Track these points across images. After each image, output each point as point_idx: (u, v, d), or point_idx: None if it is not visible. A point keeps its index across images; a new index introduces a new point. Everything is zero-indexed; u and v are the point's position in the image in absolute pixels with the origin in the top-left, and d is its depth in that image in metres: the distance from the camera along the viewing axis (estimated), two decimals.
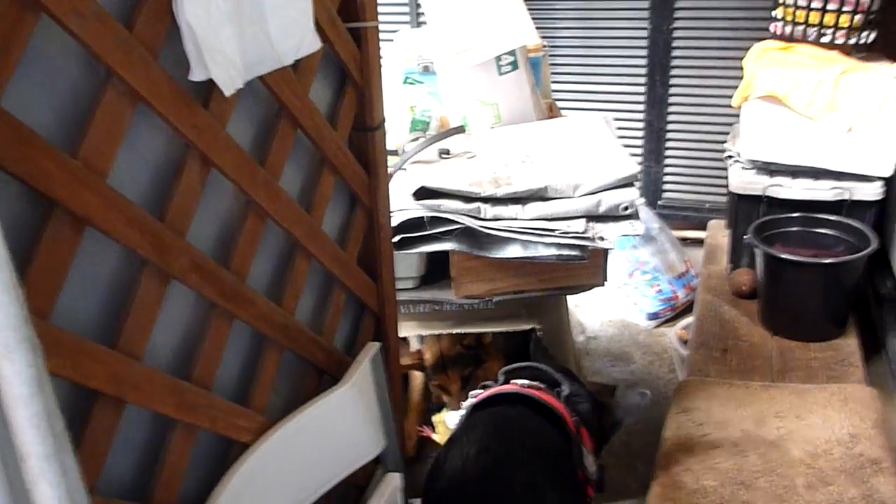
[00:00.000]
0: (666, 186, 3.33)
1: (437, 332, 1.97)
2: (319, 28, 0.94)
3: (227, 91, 0.75)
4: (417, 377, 2.16)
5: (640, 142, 3.26)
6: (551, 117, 2.30)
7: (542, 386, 1.58)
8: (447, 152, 2.00)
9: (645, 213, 3.23)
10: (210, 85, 0.77)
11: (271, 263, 0.95)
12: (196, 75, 0.73)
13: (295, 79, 0.92)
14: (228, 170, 0.81)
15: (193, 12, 0.70)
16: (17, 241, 0.59)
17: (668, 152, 3.26)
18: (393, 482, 1.12)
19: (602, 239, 1.68)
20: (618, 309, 3.17)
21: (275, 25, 0.83)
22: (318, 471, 1.00)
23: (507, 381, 1.60)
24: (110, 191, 0.66)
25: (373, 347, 1.08)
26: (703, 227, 3.22)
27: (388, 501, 1.11)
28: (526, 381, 1.55)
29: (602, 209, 1.70)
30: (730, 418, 2.03)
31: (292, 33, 0.86)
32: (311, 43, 0.90)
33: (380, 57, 1.10)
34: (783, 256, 2.34)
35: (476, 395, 1.61)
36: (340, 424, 1.02)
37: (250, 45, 0.80)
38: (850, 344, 2.46)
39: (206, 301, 0.82)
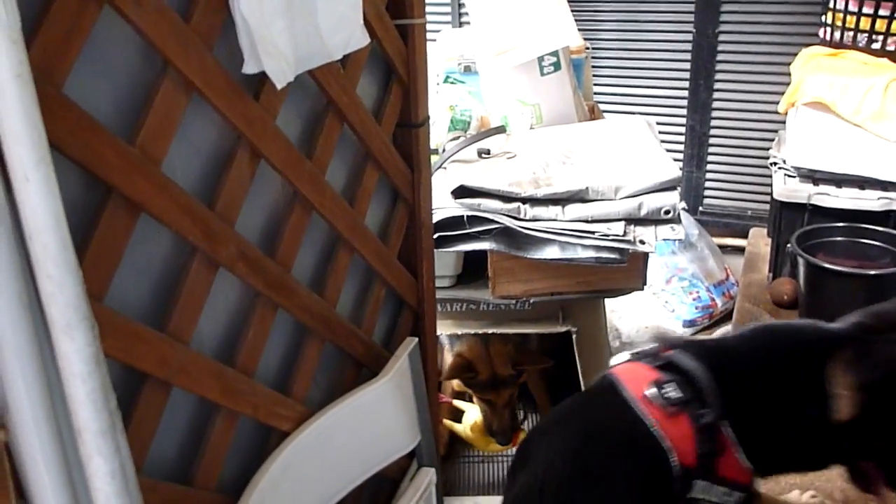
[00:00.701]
0: (707, 192, 3.29)
1: (472, 331, 1.97)
2: (368, 24, 0.95)
3: (279, 84, 0.77)
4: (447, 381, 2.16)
5: (681, 146, 3.22)
6: (593, 119, 2.30)
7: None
8: (487, 152, 2.01)
9: (685, 218, 3.20)
10: (261, 78, 0.78)
11: (315, 255, 0.97)
12: (249, 68, 0.74)
13: (343, 74, 0.93)
14: (277, 162, 0.83)
15: (248, 6, 0.72)
16: (76, 225, 0.61)
17: (710, 158, 3.22)
18: (428, 477, 1.13)
19: (642, 242, 1.67)
20: (654, 315, 3.15)
21: (325, 20, 0.84)
22: (354, 462, 1.01)
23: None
24: (164, 178, 0.68)
25: (411, 343, 1.09)
26: (744, 235, 3.18)
27: (423, 496, 1.12)
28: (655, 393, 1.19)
29: (643, 212, 1.69)
30: None
31: (342, 28, 0.87)
32: (359, 38, 0.91)
33: (426, 54, 1.11)
34: (826, 266, 2.30)
35: None
36: (377, 417, 1.03)
37: (301, 39, 0.81)
38: None
39: (251, 290, 0.83)
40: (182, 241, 0.72)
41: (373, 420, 1.03)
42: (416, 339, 1.10)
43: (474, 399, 2.10)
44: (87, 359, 0.51)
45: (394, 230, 1.12)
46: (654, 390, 1.15)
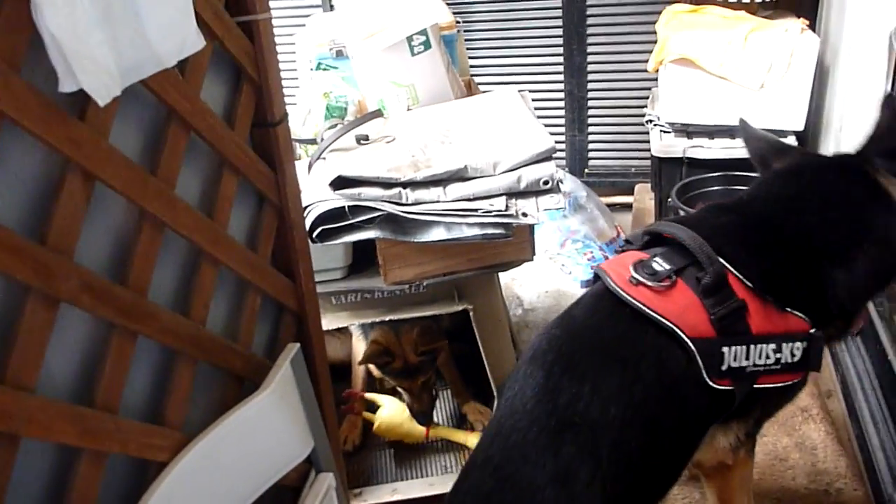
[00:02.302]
0: (591, 154, 3.36)
1: (369, 320, 1.95)
2: (205, 25, 0.90)
3: (102, 101, 0.71)
4: (359, 368, 2.14)
5: (562, 111, 3.27)
6: (470, 94, 2.29)
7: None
8: (366, 138, 1.97)
9: (572, 181, 3.26)
10: (86, 95, 0.72)
11: (175, 274, 0.92)
12: (65, 86, 0.69)
13: (182, 80, 0.88)
14: (115, 182, 0.78)
15: (55, 21, 0.66)
16: None
17: (591, 120, 3.28)
18: (326, 482, 1.11)
19: (525, 215, 1.68)
20: (552, 279, 3.20)
21: (152, 26, 0.79)
22: (245, 479, 0.98)
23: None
24: None
25: (292, 349, 1.06)
26: (630, 192, 3.26)
27: (323, 501, 1.09)
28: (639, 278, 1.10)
29: (522, 185, 1.70)
30: None
31: (172, 33, 0.82)
32: (194, 42, 0.86)
33: (275, 50, 1.06)
34: None
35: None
36: (264, 430, 1.00)
37: (126, 49, 0.76)
38: None
39: (103, 321, 0.78)
40: (12, 281, 0.67)
41: (260, 433, 1.00)
42: (298, 345, 1.07)
43: (389, 385, 2.09)
44: None
45: (263, 235, 1.08)
46: (635, 272, 1.06)
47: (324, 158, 1.93)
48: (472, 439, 2.02)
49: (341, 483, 1.18)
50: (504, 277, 2.25)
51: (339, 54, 2.29)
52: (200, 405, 0.97)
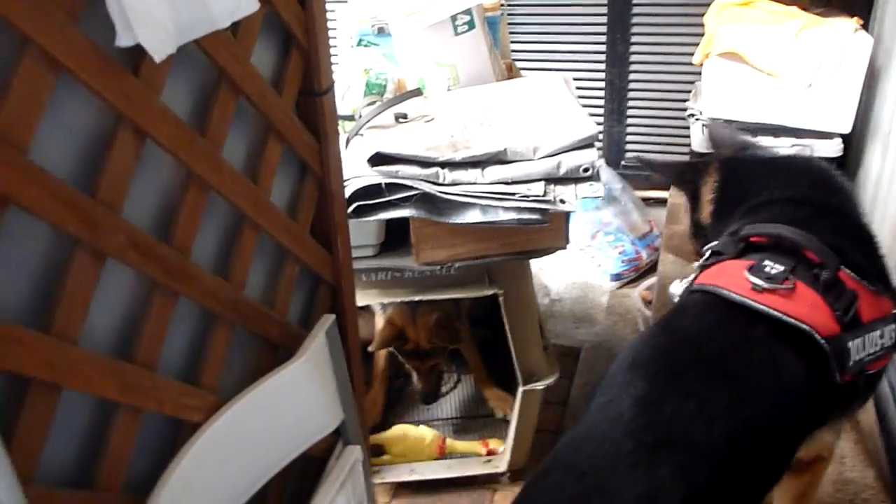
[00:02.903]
0: (628, 146, 3.32)
1: (398, 299, 1.94)
2: None
3: (158, 57, 0.71)
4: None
5: (601, 101, 3.23)
6: (511, 78, 2.27)
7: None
8: (404, 116, 1.96)
9: (607, 173, 3.22)
10: (141, 51, 0.72)
11: (217, 238, 0.92)
12: (123, 41, 0.68)
13: (234, 42, 0.87)
14: (165, 140, 0.77)
15: None
16: None
17: (630, 111, 3.24)
18: (353, 455, 1.11)
19: (563, 202, 1.66)
20: (581, 271, 3.18)
21: None
22: (274, 446, 0.98)
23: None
24: (32, 166, 0.62)
25: (328, 320, 1.06)
26: (666, 187, 3.22)
27: (349, 474, 1.09)
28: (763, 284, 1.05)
29: (562, 171, 1.68)
30: None
31: None
32: (248, 4, 0.85)
33: (326, 18, 1.05)
34: None
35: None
36: (296, 399, 1.00)
37: (182, 7, 0.75)
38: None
39: (147, 279, 0.78)
40: (61, 233, 0.67)
41: (292, 402, 1.00)
42: (334, 316, 1.07)
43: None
44: None
45: (303, 205, 1.08)
46: (755, 278, 1.02)
47: (361, 135, 1.92)
48: (484, 449, 2.03)
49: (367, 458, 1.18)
50: (532, 266, 2.24)
51: (381, 31, 2.28)
52: (235, 370, 0.97)
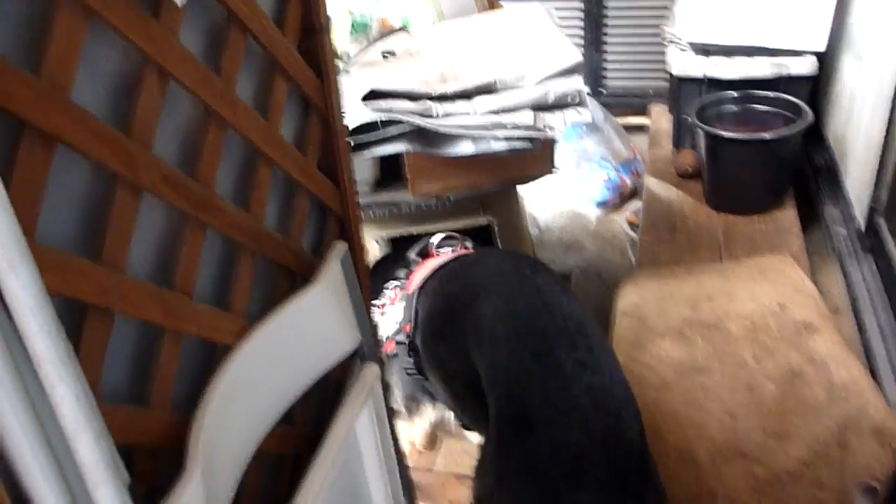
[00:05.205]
0: (608, 74, 3.36)
1: (397, 232, 2.01)
2: None
3: (180, 1, 0.75)
4: None
5: (579, 31, 3.26)
6: (492, 10, 2.29)
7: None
8: (392, 53, 2.00)
9: (588, 102, 3.28)
10: None
11: (235, 173, 0.97)
12: None
13: None
14: (186, 80, 0.82)
15: None
16: None
17: (607, 39, 3.27)
18: (372, 372, 1.18)
19: (551, 129, 1.72)
20: (568, 200, 3.25)
21: None
22: (300, 366, 1.05)
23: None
24: (76, 107, 0.67)
25: (340, 246, 1.12)
26: (646, 114, 3.28)
27: (369, 389, 1.17)
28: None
29: (550, 99, 1.73)
30: (667, 309, 2.13)
31: None
32: None
33: None
34: (723, 135, 2.42)
35: (413, 272, 1.66)
36: (316, 321, 1.07)
37: None
38: (789, 215, 2.59)
39: (178, 212, 0.84)
40: (103, 169, 0.72)
41: (312, 324, 1.06)
42: (346, 243, 1.13)
43: None
44: (35, 292, 0.52)
45: (310, 140, 1.13)
46: None
47: (349, 73, 1.96)
48: None
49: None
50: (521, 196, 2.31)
51: None
52: (257, 299, 1.03)
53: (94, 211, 0.73)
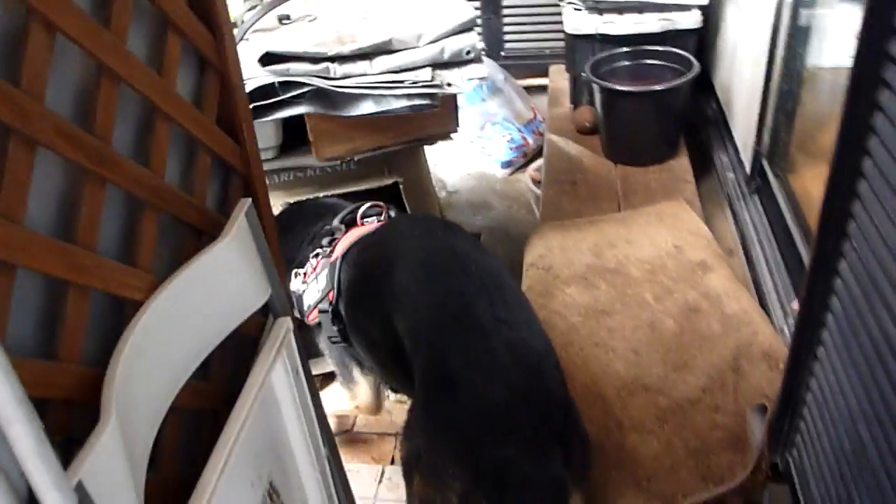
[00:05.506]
0: (507, 37, 3.42)
1: (304, 197, 2.02)
2: None
3: None
4: None
5: None
6: None
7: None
8: (287, 17, 1.99)
9: (490, 65, 3.33)
10: None
11: (133, 129, 0.97)
12: None
13: None
14: (73, 32, 0.82)
15: None
16: None
17: (505, 2, 3.33)
18: (284, 325, 1.21)
19: (450, 85, 1.76)
20: (474, 162, 3.31)
21: None
22: (212, 321, 1.07)
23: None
24: None
25: (245, 203, 1.13)
26: (545, 74, 3.36)
27: (283, 343, 1.19)
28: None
29: (446, 56, 1.77)
30: (572, 258, 2.22)
31: None
32: None
33: None
34: (617, 88, 2.52)
35: (337, 240, 1.69)
36: (226, 276, 1.08)
37: None
38: (682, 163, 2.72)
39: (76, 167, 0.84)
40: None
41: (222, 279, 1.08)
42: (250, 199, 1.14)
43: None
44: None
45: (208, 98, 1.13)
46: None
47: (247, 39, 1.94)
48: None
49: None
50: (428, 160, 2.35)
51: None
52: (164, 256, 1.04)
53: None
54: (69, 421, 0.82)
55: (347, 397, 1.93)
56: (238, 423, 1.08)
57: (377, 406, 1.97)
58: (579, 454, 1.34)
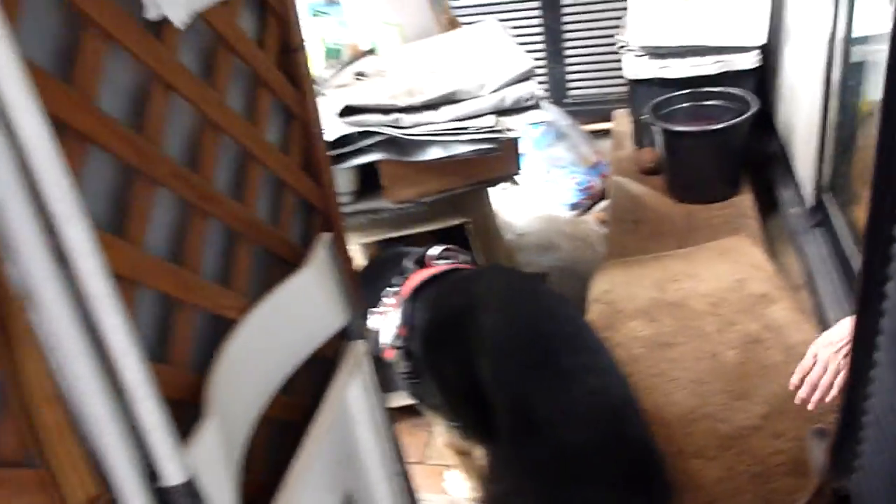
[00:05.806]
0: (570, 84, 3.55)
1: (379, 237, 2.17)
2: None
3: (180, 24, 0.92)
4: None
5: (541, 45, 3.45)
6: (453, 29, 2.48)
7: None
8: (363, 74, 2.17)
9: (555, 112, 3.46)
10: (160, 22, 0.93)
11: (230, 172, 1.13)
12: (150, 13, 0.89)
13: (228, 11, 1.08)
14: (185, 91, 0.98)
15: None
16: None
17: (567, 51, 3.47)
18: (358, 348, 1.33)
19: (511, 130, 1.89)
20: (542, 206, 3.42)
21: None
22: (295, 340, 1.20)
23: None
24: (100, 111, 0.83)
25: (325, 236, 1.27)
26: (608, 119, 3.47)
27: (357, 364, 1.32)
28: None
29: (507, 103, 1.91)
30: (635, 293, 2.29)
31: None
32: None
33: None
34: (677, 129, 2.61)
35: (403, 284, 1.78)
36: (307, 301, 1.22)
37: None
38: (745, 200, 2.77)
39: (185, 203, 0.99)
40: (123, 163, 0.88)
41: (304, 304, 1.22)
42: (330, 234, 1.29)
43: None
44: (91, 247, 0.67)
45: (292, 144, 1.29)
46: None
47: (325, 94, 2.13)
48: None
49: None
50: (496, 204, 2.46)
51: (331, 1, 2.47)
52: (255, 283, 1.19)
53: (119, 198, 0.89)
54: (175, 417, 0.96)
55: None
56: (317, 436, 1.20)
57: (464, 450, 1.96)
58: (662, 502, 1.37)
